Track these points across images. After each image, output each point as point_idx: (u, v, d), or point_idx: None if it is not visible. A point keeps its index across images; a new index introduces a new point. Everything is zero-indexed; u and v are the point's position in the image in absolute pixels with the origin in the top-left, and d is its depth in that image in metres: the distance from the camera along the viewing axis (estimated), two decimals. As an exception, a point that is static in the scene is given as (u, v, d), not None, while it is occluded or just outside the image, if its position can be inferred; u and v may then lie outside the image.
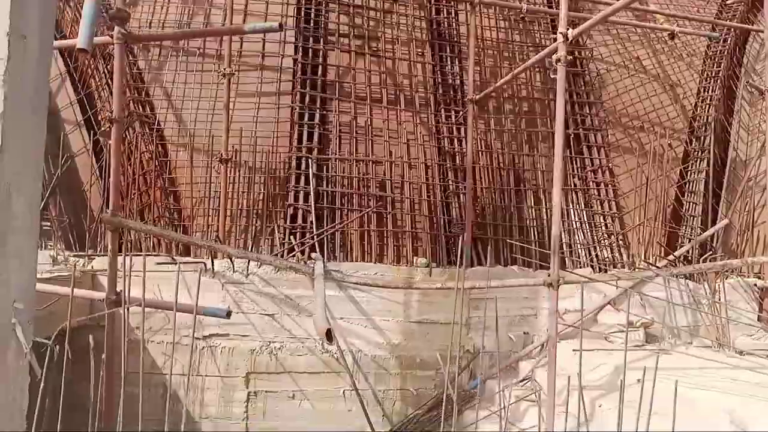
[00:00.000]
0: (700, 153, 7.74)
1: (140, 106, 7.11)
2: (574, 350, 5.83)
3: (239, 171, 6.67)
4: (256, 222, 6.61)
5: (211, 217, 6.67)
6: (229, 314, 4.15)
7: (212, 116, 7.03)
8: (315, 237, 6.15)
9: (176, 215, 6.72)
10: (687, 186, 7.57)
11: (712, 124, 7.66)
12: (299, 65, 7.20)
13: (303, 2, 7.42)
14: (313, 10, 7.39)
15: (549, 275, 4.48)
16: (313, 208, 6.31)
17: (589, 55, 8.07)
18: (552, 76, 5.04)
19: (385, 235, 6.56)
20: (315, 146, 6.80)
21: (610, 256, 6.80)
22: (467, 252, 6.44)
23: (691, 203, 7.39)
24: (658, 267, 6.21)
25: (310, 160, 6.58)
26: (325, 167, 6.74)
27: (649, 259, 6.70)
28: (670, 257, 6.53)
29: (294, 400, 5.90)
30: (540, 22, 8.12)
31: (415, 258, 6.50)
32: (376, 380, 6.07)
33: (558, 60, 4.76)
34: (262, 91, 7.22)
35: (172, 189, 6.81)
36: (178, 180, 6.87)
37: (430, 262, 6.31)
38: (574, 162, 7.29)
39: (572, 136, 7.38)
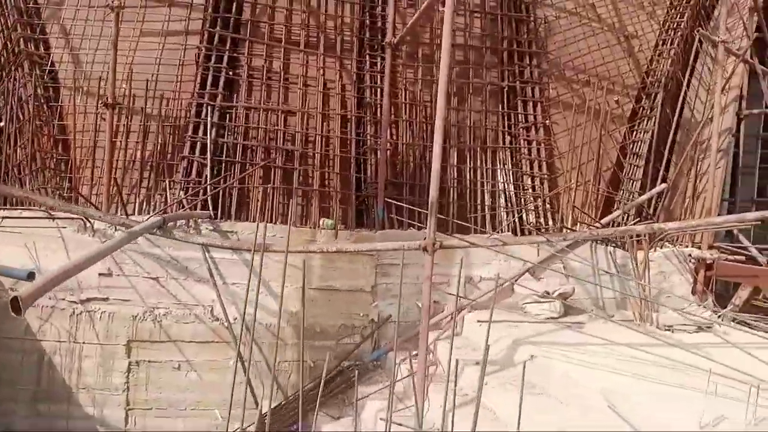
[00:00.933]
0: (649, 111, 7.13)
1: (33, 45, 6.44)
2: (478, 321, 5.43)
3: (129, 119, 6.05)
4: (151, 175, 6.05)
5: (101, 169, 6.09)
6: (31, 276, 3.58)
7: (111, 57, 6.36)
8: (208, 192, 5.61)
9: (64, 166, 6.14)
10: (630, 147, 7.00)
11: (662, 80, 7.02)
12: (211, 1, 6.49)
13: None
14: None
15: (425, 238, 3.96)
16: (209, 161, 5.73)
17: (537, -1, 7.35)
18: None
19: (291, 193, 6.01)
20: (219, 92, 6.16)
21: (534, 220, 6.29)
22: (379, 214, 5.93)
23: (632, 165, 6.84)
24: (572, 231, 5.72)
25: (210, 108, 5.97)
26: (228, 116, 6.13)
27: (578, 225, 6.21)
28: (602, 222, 6.03)
29: (180, 371, 5.46)
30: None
31: (322, 219, 5.98)
32: (271, 351, 5.63)
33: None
34: (168, 30, 6.52)
35: (62, 137, 6.21)
36: (69, 127, 6.26)
37: (337, 224, 5.79)
38: (505, 118, 6.69)
39: (506, 89, 6.75)
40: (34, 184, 5.94)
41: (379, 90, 6.44)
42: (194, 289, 5.53)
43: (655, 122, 6.88)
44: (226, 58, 6.25)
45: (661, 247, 6.29)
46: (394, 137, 6.44)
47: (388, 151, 6.26)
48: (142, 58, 6.36)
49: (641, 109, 7.24)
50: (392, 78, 6.55)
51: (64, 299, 5.55)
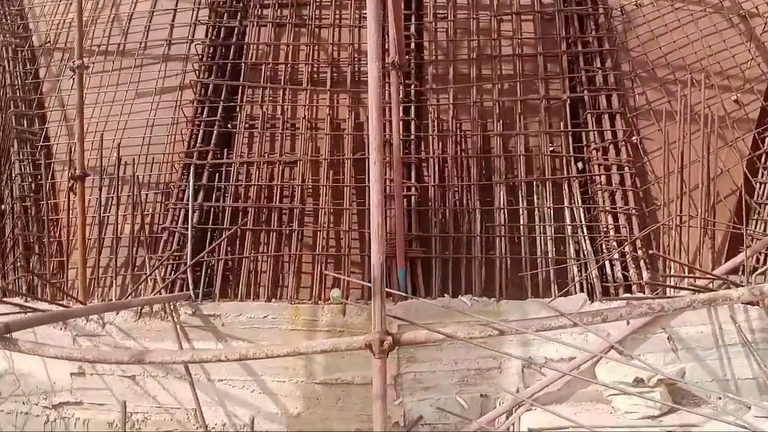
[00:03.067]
0: (787, 108, 5.53)
1: (26, 122, 6.43)
2: (529, 430, 4.13)
3: (113, 189, 5.69)
4: (139, 252, 5.57)
5: (94, 249, 5.74)
6: None
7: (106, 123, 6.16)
8: (186, 267, 4.99)
9: (56, 248, 5.87)
10: (762, 160, 5.41)
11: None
12: (206, 49, 6.13)
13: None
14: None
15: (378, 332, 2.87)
16: (190, 231, 5.13)
17: (609, -13, 6.16)
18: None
19: (289, 261, 5.21)
20: (211, 149, 5.64)
21: (621, 274, 4.89)
22: (400, 278, 4.93)
23: (765, 184, 5.24)
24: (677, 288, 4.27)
25: (194, 168, 5.43)
26: (218, 175, 5.56)
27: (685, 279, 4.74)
28: (714, 273, 4.51)
29: (164, 493, 4.75)
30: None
31: (333, 290, 5.09)
32: (270, 466, 4.74)
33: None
34: (164, 87, 6.23)
35: (54, 217, 5.98)
36: (63, 205, 6.03)
37: (344, 296, 4.88)
38: (571, 139, 5.45)
39: (567, 102, 5.55)
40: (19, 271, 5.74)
41: (402, 123, 5.57)
42: (174, 387, 4.85)
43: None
44: (220, 110, 5.76)
45: (823, 298, 4.60)
46: (426, 177, 5.49)
47: (414, 197, 5.31)
48: (137, 121, 6.10)
49: (775, 106, 5.66)
50: (418, 106, 5.69)
51: (37, 404, 5.13)
